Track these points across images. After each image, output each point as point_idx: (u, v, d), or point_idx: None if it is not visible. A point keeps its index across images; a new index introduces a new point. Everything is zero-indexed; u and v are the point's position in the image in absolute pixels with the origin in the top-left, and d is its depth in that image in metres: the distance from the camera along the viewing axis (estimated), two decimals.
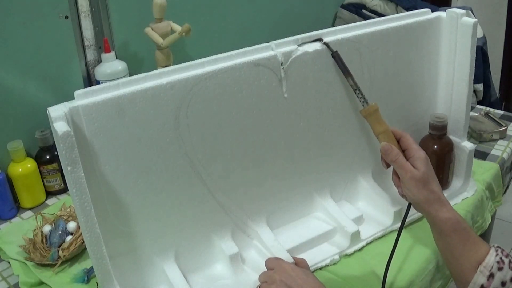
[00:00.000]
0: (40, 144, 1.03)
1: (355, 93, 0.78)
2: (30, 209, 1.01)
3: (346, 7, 1.77)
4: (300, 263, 0.76)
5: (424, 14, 0.88)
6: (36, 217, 0.92)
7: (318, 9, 1.72)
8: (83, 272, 0.81)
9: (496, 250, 0.68)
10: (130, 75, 0.90)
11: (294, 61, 0.75)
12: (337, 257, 0.82)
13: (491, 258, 0.67)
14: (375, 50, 0.83)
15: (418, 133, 0.94)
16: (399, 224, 0.87)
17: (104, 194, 0.67)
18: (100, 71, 1.11)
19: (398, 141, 0.78)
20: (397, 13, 1.46)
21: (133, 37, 1.19)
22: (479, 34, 1.58)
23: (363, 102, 0.78)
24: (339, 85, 0.81)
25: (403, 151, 0.77)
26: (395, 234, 0.77)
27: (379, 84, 0.85)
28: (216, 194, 0.76)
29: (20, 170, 0.99)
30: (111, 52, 1.11)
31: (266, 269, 0.74)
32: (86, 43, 1.12)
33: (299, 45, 0.76)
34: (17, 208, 1.01)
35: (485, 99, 1.70)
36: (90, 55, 1.14)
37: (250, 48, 0.73)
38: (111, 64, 1.11)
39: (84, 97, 0.63)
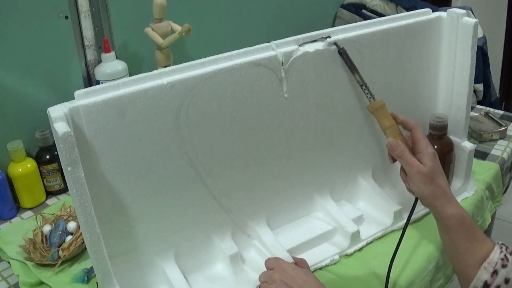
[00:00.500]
0: (40, 144, 1.03)
1: (362, 88, 0.78)
2: (30, 209, 1.01)
3: (346, 7, 1.77)
4: (300, 263, 0.76)
5: (425, 14, 0.88)
6: (36, 217, 0.92)
7: (318, 9, 1.72)
8: (83, 272, 0.81)
9: (501, 247, 0.68)
10: (130, 75, 0.90)
11: (294, 61, 0.75)
12: (337, 257, 0.82)
13: (496, 255, 0.67)
14: (375, 50, 0.83)
15: None
16: (399, 224, 0.87)
17: (104, 194, 0.67)
18: (100, 71, 1.10)
19: (410, 131, 0.78)
20: (397, 13, 1.46)
21: (133, 37, 1.19)
22: (479, 34, 1.58)
23: (369, 97, 0.78)
24: (340, 85, 0.81)
25: (413, 144, 0.77)
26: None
27: (380, 84, 0.85)
28: (216, 194, 0.76)
29: (20, 170, 0.99)
30: (111, 52, 1.11)
31: (266, 269, 0.74)
32: (86, 43, 1.12)
33: (300, 45, 0.76)
34: (17, 208, 1.01)
35: (485, 99, 1.70)
36: (90, 55, 1.14)
37: (251, 48, 0.73)
38: (111, 64, 1.11)
39: (84, 97, 0.62)
